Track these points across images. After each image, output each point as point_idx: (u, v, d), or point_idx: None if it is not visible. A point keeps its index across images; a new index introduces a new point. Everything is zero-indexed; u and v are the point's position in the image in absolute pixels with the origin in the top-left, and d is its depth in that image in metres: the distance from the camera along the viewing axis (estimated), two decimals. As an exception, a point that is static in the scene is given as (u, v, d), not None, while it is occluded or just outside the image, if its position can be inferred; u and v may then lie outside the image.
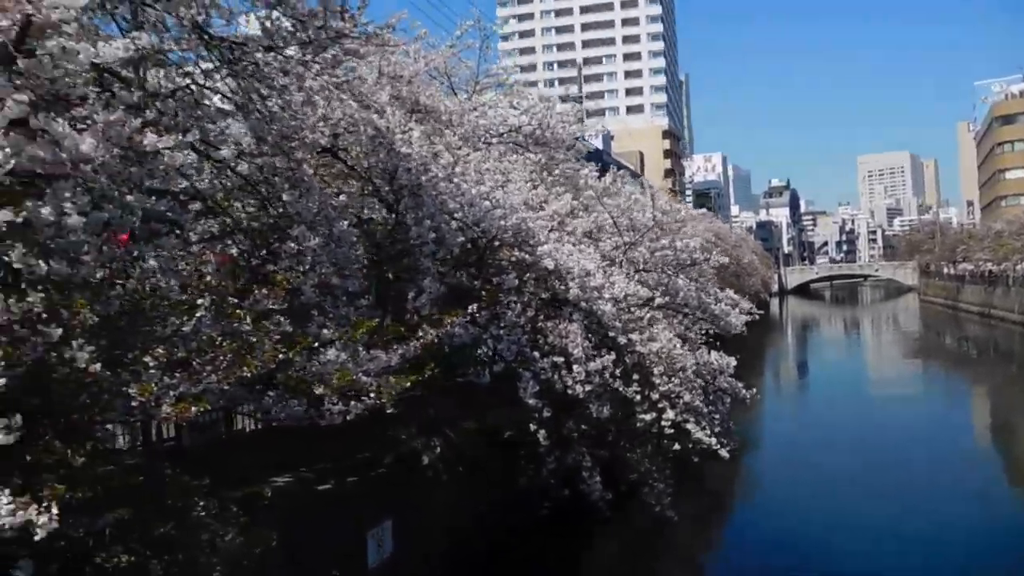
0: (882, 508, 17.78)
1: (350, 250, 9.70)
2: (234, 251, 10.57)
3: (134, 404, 5.28)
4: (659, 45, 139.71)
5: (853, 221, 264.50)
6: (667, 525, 15.35)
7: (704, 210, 79.83)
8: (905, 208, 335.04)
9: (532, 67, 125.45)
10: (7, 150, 5.15)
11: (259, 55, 8.70)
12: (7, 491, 3.81)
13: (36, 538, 3.86)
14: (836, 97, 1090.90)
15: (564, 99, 19.46)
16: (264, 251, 9.93)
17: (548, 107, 18.47)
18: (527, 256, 12.62)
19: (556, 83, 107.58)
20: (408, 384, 7.42)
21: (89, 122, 5.92)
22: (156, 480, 5.67)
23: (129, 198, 6.51)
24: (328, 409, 7.18)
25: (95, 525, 4.74)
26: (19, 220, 5.09)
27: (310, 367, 7.38)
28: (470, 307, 9.51)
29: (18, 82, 5.69)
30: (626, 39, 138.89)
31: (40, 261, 5.18)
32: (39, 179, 5.52)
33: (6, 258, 4.97)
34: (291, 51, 8.90)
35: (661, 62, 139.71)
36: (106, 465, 5.44)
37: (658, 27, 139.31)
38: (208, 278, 7.53)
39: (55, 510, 3.87)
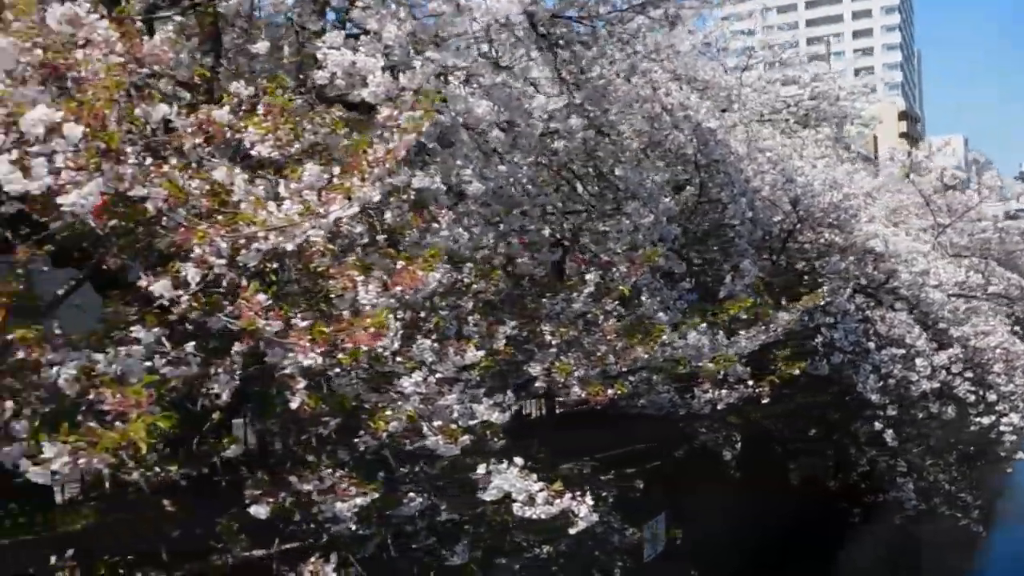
0: None
1: (671, 228, 9.10)
2: (545, 231, 10.28)
3: (539, 384, 4.90)
4: (894, 19, 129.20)
5: None
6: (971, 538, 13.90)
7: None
8: None
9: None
10: (417, 114, 4.89)
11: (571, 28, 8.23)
12: (534, 476, 3.46)
13: (572, 531, 3.53)
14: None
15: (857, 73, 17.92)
16: (578, 231, 9.53)
17: (831, 80, 17.09)
18: (837, 238, 11.48)
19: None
20: (796, 372, 6.69)
21: (475, 86, 5.63)
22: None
23: (501, 168, 6.21)
24: (698, 397, 6.57)
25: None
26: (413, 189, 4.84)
27: (661, 352, 6.81)
28: (825, 293, 8.56)
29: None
30: (856, 15, 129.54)
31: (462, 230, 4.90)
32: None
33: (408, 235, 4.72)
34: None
35: (896, 37, 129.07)
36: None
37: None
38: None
39: (590, 500, 3.50)
